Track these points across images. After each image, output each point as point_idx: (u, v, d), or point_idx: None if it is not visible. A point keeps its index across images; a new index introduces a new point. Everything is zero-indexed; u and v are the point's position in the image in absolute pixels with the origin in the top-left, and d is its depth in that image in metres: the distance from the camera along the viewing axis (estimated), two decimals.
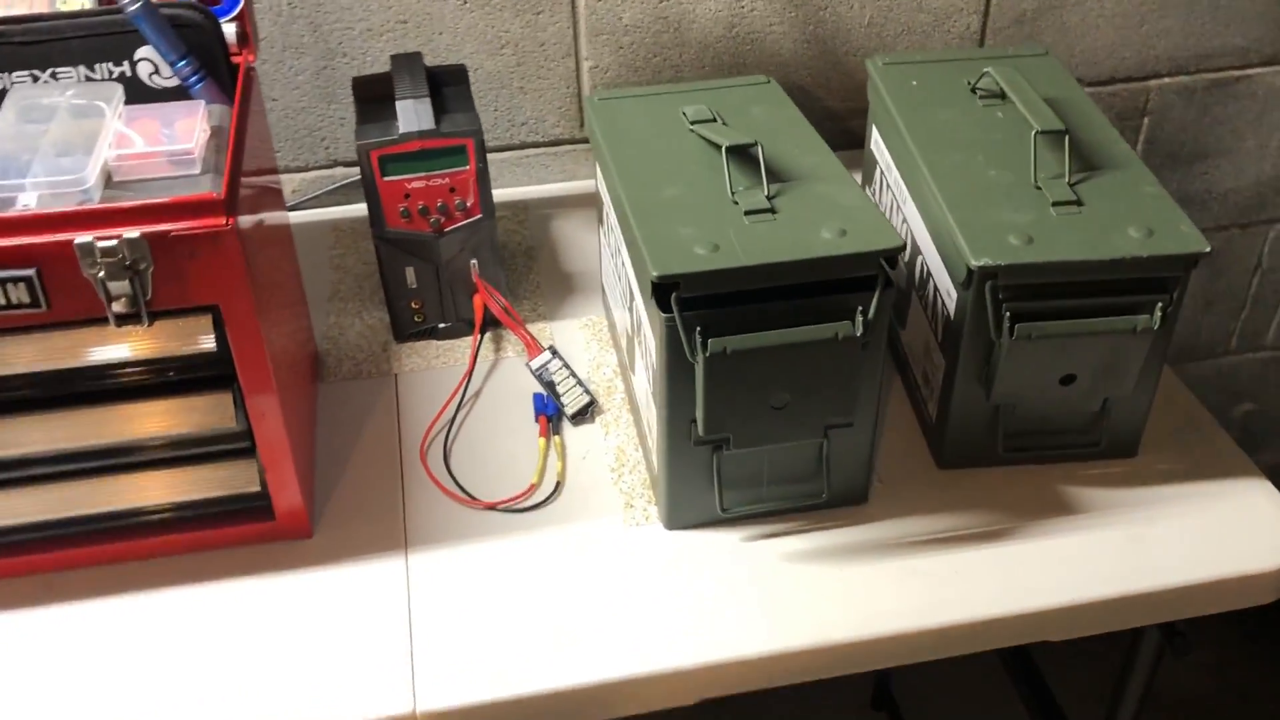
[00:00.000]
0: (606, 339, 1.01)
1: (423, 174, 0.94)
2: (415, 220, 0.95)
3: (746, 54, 1.19)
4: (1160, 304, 0.79)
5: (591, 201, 1.16)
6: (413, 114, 0.93)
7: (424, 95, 0.94)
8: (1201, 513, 0.85)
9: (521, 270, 1.09)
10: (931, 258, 0.86)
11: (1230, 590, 0.81)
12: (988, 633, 0.79)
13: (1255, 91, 1.34)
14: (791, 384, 0.75)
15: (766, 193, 0.78)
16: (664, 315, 0.72)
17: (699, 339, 0.72)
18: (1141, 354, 0.81)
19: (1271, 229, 1.47)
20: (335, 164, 1.18)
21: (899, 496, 0.86)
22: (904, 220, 0.92)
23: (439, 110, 0.95)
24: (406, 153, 0.93)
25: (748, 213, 0.76)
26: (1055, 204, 0.81)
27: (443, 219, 0.95)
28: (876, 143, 1.00)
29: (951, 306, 0.82)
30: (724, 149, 0.79)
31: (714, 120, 0.87)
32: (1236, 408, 1.66)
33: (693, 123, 0.87)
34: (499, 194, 1.19)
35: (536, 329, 1.02)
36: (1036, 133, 0.83)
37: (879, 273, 0.74)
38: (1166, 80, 1.31)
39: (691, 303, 0.72)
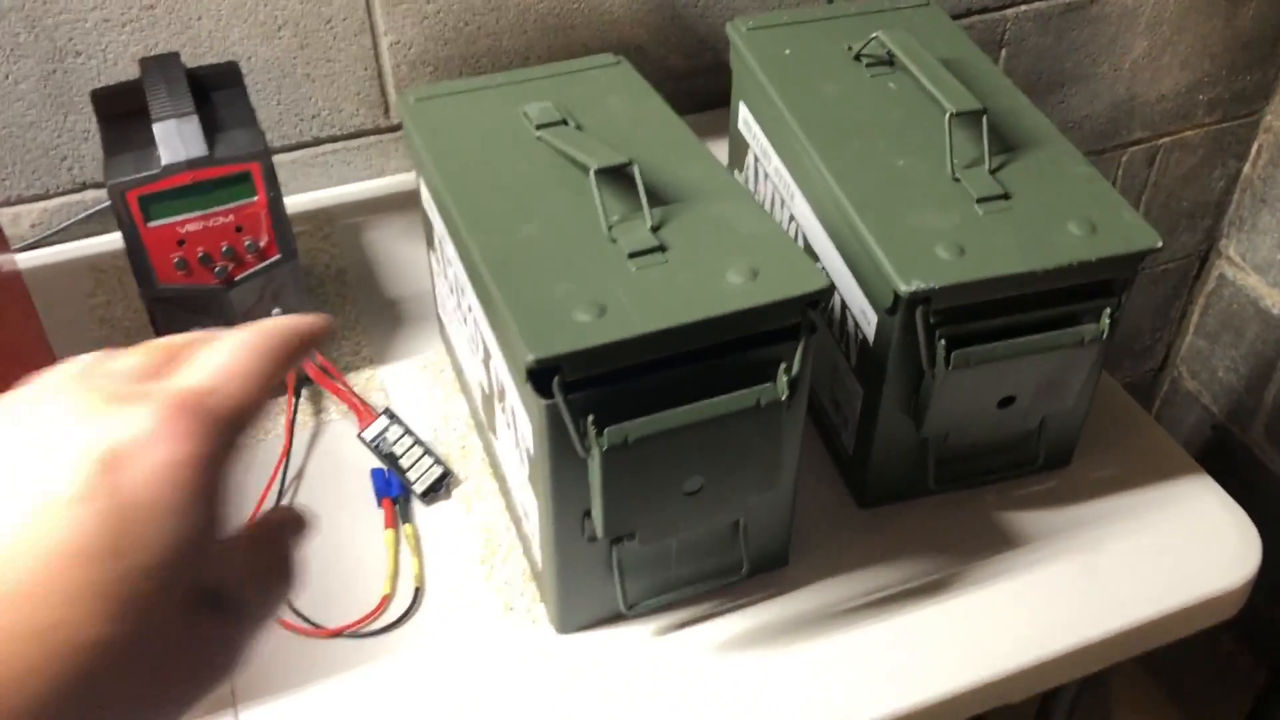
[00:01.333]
0: (451, 381, 0.84)
1: (199, 213, 0.74)
2: (196, 271, 0.75)
3: (573, 13, 1.02)
4: (1108, 309, 0.68)
5: (410, 201, 0.98)
6: (176, 138, 0.73)
7: (188, 111, 0.74)
8: (1151, 528, 0.76)
9: (334, 301, 0.91)
10: (836, 268, 0.72)
11: (1195, 614, 0.73)
12: (945, 712, 0.68)
13: (1109, 14, 1.26)
14: (707, 464, 0.60)
15: (651, 224, 0.62)
16: (544, 401, 0.56)
17: (591, 428, 0.56)
18: (1087, 365, 0.70)
19: (1124, 154, 1.41)
20: (84, 186, 0.95)
21: (821, 549, 0.74)
22: (792, 219, 0.78)
23: (211, 128, 0.75)
24: (174, 189, 0.73)
25: (632, 255, 0.60)
26: (981, 199, 0.68)
27: (231, 265, 0.76)
28: (746, 123, 0.85)
29: (869, 330, 0.69)
30: (592, 172, 0.63)
31: (564, 123, 0.71)
32: None
33: (539, 127, 0.70)
34: (294, 203, 0.99)
35: (363, 379, 0.84)
36: (951, 115, 0.70)
37: (803, 319, 0.60)
38: (1023, 8, 1.21)
39: (578, 383, 0.56)
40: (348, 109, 0.99)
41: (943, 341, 0.65)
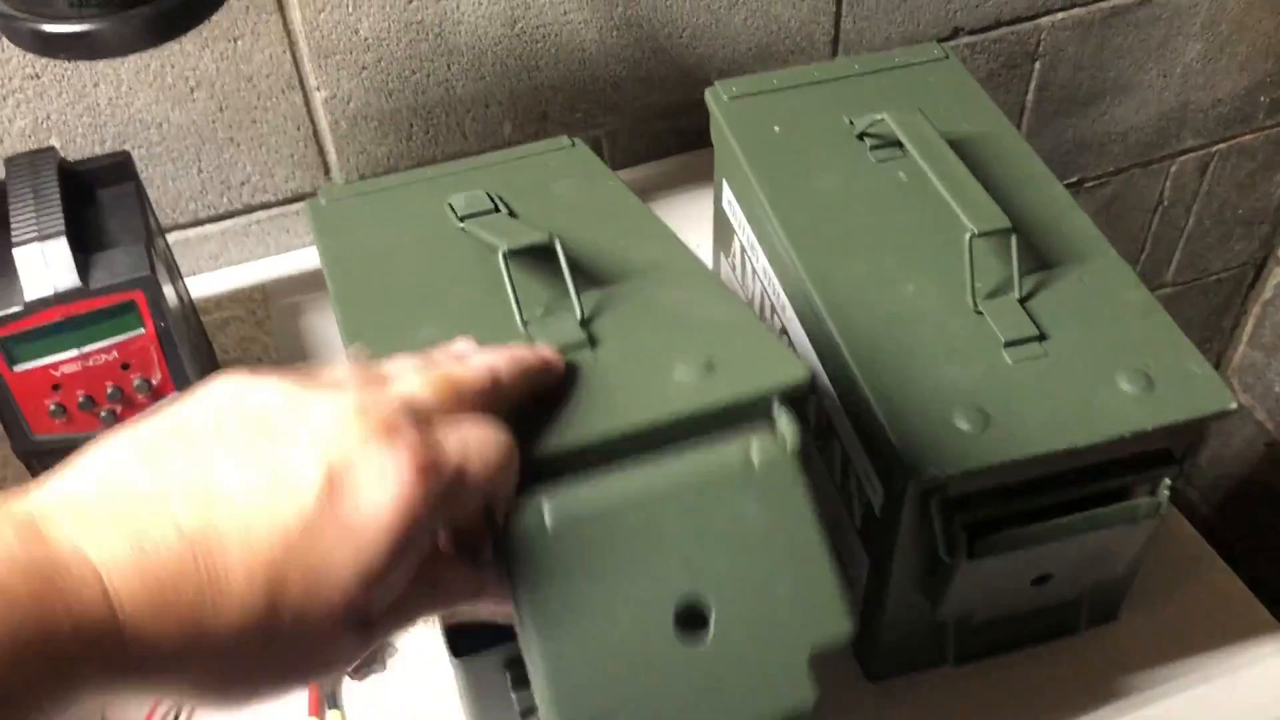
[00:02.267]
0: None
1: (75, 352, 0.62)
2: (77, 418, 0.64)
3: (540, 54, 0.88)
4: (1167, 480, 0.55)
5: None
6: (41, 264, 0.61)
7: (56, 231, 0.62)
8: (1212, 701, 0.64)
9: None
10: (837, 416, 0.60)
11: None
12: None
13: (1159, 15, 1.10)
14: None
15: (581, 314, 0.50)
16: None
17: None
18: (1141, 539, 0.58)
19: (1173, 163, 1.26)
20: None
21: None
22: (784, 332, 0.66)
23: (88, 245, 0.63)
24: (42, 327, 0.61)
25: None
26: (1009, 343, 0.55)
27: (119, 408, 0.64)
28: (731, 205, 0.72)
29: (875, 500, 0.57)
30: (500, 254, 0.50)
31: (494, 210, 0.58)
32: None
33: (463, 218, 0.57)
34: (225, 279, 0.87)
35: None
36: (972, 236, 0.57)
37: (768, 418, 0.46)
38: (1060, 15, 1.06)
39: None
40: (281, 173, 0.87)
41: (962, 530, 0.53)
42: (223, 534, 0.28)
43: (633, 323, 0.50)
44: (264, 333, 0.84)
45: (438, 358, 0.38)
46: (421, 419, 0.33)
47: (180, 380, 0.65)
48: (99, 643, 0.27)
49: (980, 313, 0.57)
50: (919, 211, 0.62)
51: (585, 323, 0.50)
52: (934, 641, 0.62)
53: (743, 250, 0.71)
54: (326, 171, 0.88)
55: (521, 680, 0.46)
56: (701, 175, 0.83)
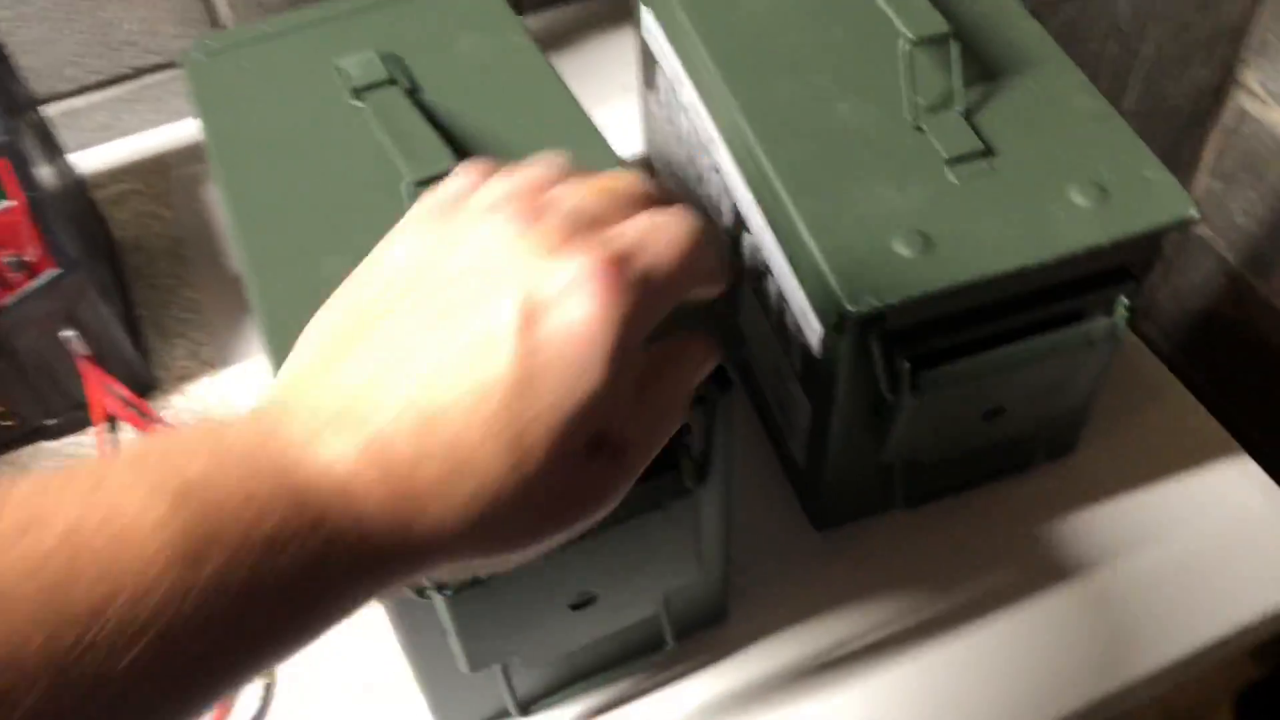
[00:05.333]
0: None
1: None
2: None
3: None
4: (1124, 299, 0.51)
5: None
6: None
7: None
8: (1177, 532, 0.61)
9: (167, 287, 0.74)
10: (768, 245, 0.55)
11: (1232, 641, 0.59)
12: None
13: None
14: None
15: None
16: None
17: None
18: (1099, 365, 0.54)
19: None
20: None
21: (767, 591, 0.59)
22: (718, 171, 0.61)
23: None
24: None
25: None
26: (953, 159, 0.51)
27: None
28: (651, 33, 0.66)
29: (813, 340, 0.53)
30: (405, 185, 0.45)
31: (390, 83, 0.52)
32: None
33: (356, 92, 0.52)
34: (117, 152, 0.81)
35: (198, 391, 0.68)
36: (908, 43, 0.51)
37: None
38: None
39: None
40: (167, 30, 0.79)
41: (906, 365, 0.49)
42: (446, 407, 0.28)
43: None
44: (163, 206, 0.78)
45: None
46: (596, 222, 0.31)
47: (61, 257, 0.59)
48: (360, 543, 0.27)
49: (921, 129, 0.52)
50: (855, 24, 0.57)
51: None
52: (882, 485, 0.59)
53: (669, 84, 0.65)
54: (215, 25, 0.81)
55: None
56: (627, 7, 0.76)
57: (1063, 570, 0.60)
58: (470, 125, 0.50)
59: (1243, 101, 1.38)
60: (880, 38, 0.54)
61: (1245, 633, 0.59)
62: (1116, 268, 0.51)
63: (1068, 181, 0.49)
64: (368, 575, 0.27)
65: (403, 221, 0.33)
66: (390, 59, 0.53)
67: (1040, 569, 0.60)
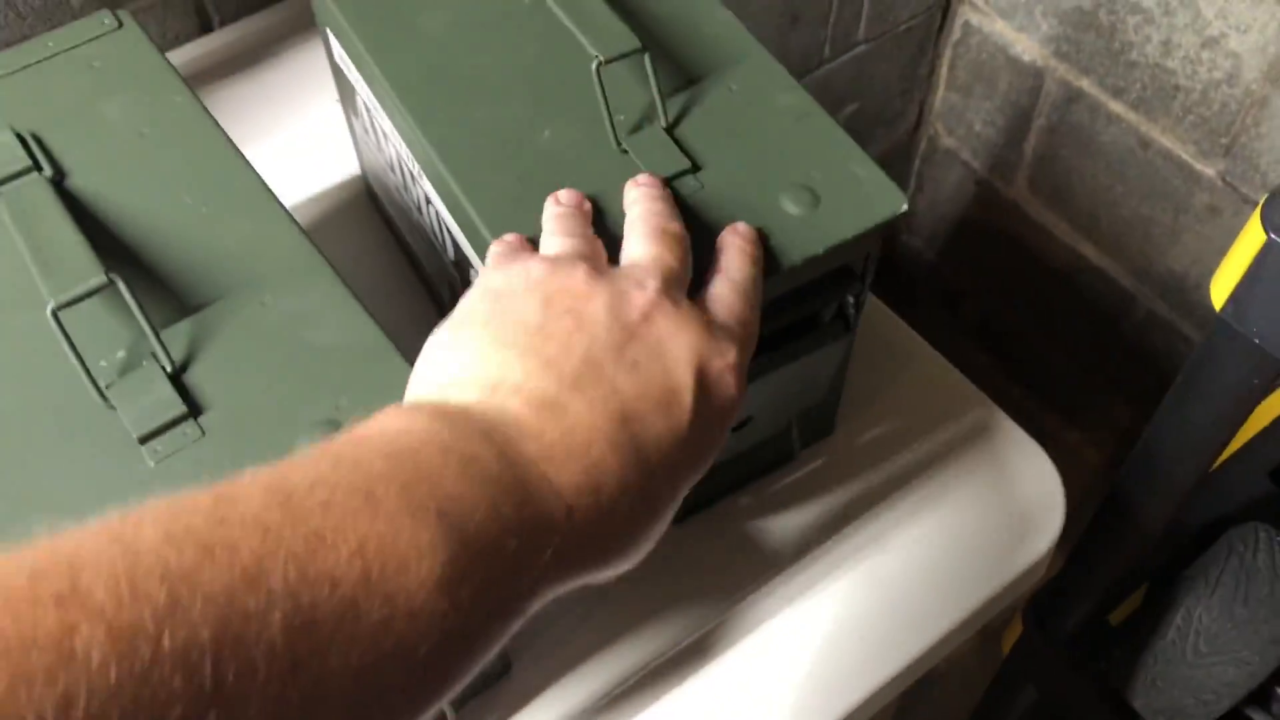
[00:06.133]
0: None
1: None
2: None
3: None
4: (852, 296, 0.51)
5: None
6: None
7: None
8: (940, 500, 0.62)
9: None
10: None
11: (1002, 599, 0.61)
12: None
13: None
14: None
15: (170, 368, 0.40)
16: None
17: None
18: (835, 360, 0.54)
19: None
20: None
21: (546, 644, 0.57)
22: (429, 202, 0.57)
23: None
24: None
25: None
26: (667, 180, 0.48)
27: None
28: (342, 59, 0.61)
29: None
30: (49, 312, 0.40)
31: (34, 168, 0.46)
32: (839, 113, 1.46)
33: None
34: None
35: None
36: (599, 64, 0.48)
37: None
38: None
39: None
40: None
41: None
42: (646, 448, 0.33)
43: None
44: None
45: (650, 217, 0.42)
46: (722, 316, 0.39)
47: None
48: (563, 553, 0.30)
49: (625, 151, 0.49)
50: (546, 42, 0.53)
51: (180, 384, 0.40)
52: None
53: (367, 110, 0.61)
54: None
55: None
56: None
57: (840, 550, 0.60)
58: (127, 215, 0.45)
59: (967, 15, 1.42)
60: (574, 55, 0.51)
61: (1022, 579, 0.60)
62: (839, 269, 0.50)
63: (779, 190, 0.48)
64: (557, 589, 0.31)
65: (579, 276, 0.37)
66: (25, 137, 0.47)
67: (816, 554, 0.60)
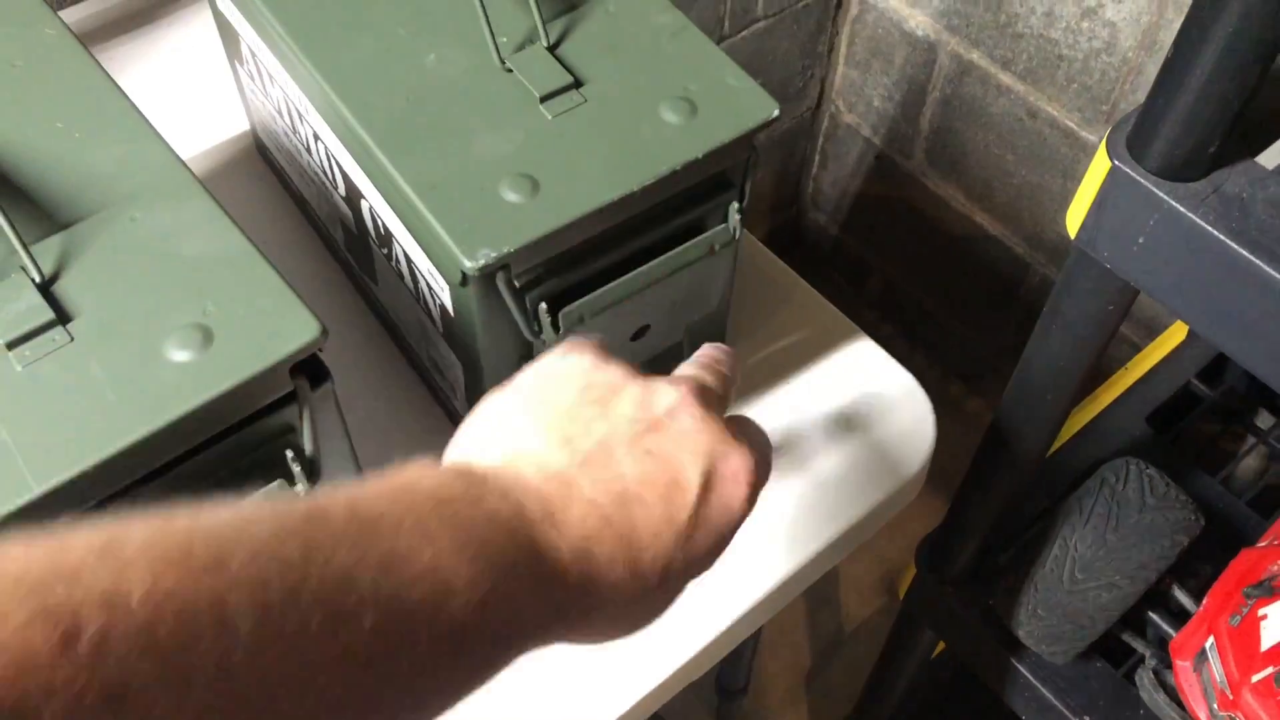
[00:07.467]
0: None
1: None
2: None
3: None
4: (735, 203, 0.53)
5: None
6: None
7: None
8: (818, 423, 0.64)
9: None
10: (388, 217, 0.53)
11: (880, 514, 0.63)
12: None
13: None
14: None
15: (39, 278, 0.41)
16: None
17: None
18: (725, 267, 0.56)
19: None
20: None
21: None
22: (318, 139, 0.58)
23: None
24: None
25: None
26: (545, 98, 0.50)
27: None
28: (226, 6, 0.62)
29: (445, 299, 0.52)
30: None
31: None
32: None
33: None
34: None
35: None
36: None
37: None
38: None
39: None
40: None
41: (542, 304, 0.49)
42: (638, 529, 0.35)
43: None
44: None
45: (703, 356, 0.44)
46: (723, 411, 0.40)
47: None
48: (557, 606, 0.33)
49: (510, 70, 0.51)
50: None
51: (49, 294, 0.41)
52: None
53: (252, 54, 0.62)
54: None
55: None
56: None
57: None
58: (4, 145, 0.45)
59: None
60: None
61: (896, 496, 0.63)
62: (718, 176, 0.52)
63: (658, 101, 0.50)
64: (551, 640, 0.33)
65: (615, 370, 0.39)
66: None
67: None
